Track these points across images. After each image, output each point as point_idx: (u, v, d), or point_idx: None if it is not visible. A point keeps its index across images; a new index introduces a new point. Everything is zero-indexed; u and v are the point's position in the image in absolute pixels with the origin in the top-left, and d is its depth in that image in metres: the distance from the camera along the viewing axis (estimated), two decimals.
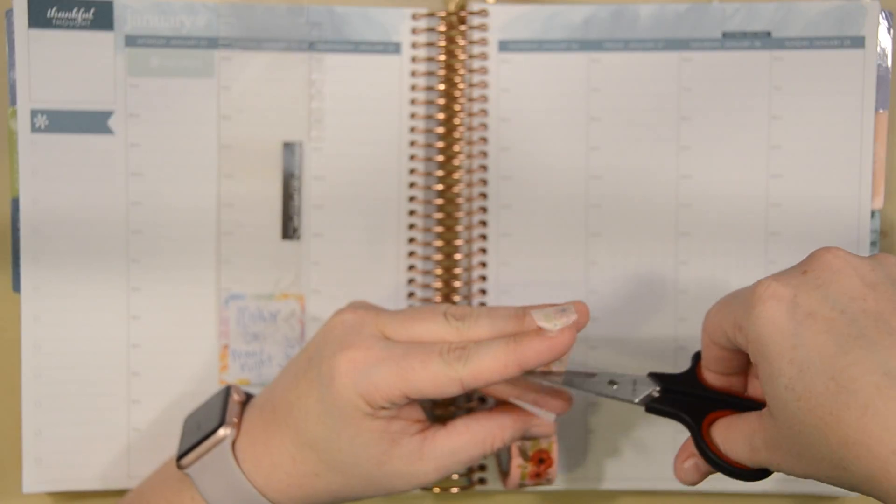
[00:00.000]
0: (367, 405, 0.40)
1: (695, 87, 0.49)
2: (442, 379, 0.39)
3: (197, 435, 0.43)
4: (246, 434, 0.43)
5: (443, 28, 0.49)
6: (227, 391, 0.45)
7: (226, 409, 0.43)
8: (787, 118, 0.48)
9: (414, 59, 0.49)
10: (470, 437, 0.42)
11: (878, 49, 0.48)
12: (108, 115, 0.48)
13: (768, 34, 0.48)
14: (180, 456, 0.43)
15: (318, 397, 0.41)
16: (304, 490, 0.42)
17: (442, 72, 0.49)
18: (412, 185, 0.49)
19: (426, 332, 0.41)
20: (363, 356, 0.40)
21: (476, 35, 0.49)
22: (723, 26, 0.48)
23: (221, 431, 0.42)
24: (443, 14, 0.49)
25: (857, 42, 0.48)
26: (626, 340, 0.50)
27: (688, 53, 0.48)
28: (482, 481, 0.50)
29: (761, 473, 0.38)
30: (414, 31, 0.49)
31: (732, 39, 0.48)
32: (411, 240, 0.49)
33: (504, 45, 0.49)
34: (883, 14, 0.48)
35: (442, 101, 0.49)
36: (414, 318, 0.41)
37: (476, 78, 0.49)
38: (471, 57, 0.49)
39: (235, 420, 0.43)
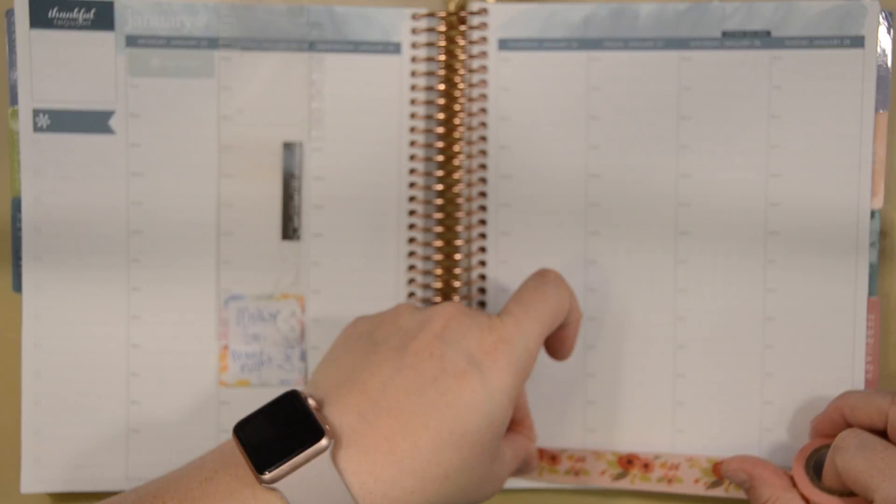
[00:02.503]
0: (524, 379, 0.41)
1: (694, 86, 0.49)
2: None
3: (280, 445, 0.37)
4: (353, 444, 0.37)
5: (443, 28, 0.49)
6: (297, 396, 0.38)
7: (309, 415, 0.37)
8: (787, 117, 0.48)
9: (414, 59, 0.49)
10: (523, 442, 0.46)
11: (879, 49, 0.48)
12: (108, 114, 0.48)
13: (768, 33, 0.48)
14: (262, 469, 0.36)
15: (476, 387, 0.39)
16: (425, 497, 0.38)
17: (442, 72, 0.49)
18: (412, 184, 0.49)
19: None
20: (509, 333, 0.40)
21: (476, 34, 0.49)
22: (722, 25, 0.48)
23: (324, 441, 0.36)
24: (443, 14, 0.49)
25: (857, 42, 0.48)
26: (624, 339, 0.50)
27: (687, 52, 0.49)
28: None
29: None
30: (414, 31, 0.49)
31: (732, 39, 0.48)
32: (411, 239, 0.49)
33: (504, 44, 0.49)
34: (883, 14, 0.48)
35: (442, 100, 0.49)
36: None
37: (476, 77, 0.49)
38: (470, 56, 0.49)
39: (328, 428, 0.37)
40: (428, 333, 0.40)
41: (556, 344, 0.45)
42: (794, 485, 0.44)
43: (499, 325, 0.40)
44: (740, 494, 0.48)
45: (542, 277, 0.44)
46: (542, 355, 0.46)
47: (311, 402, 0.38)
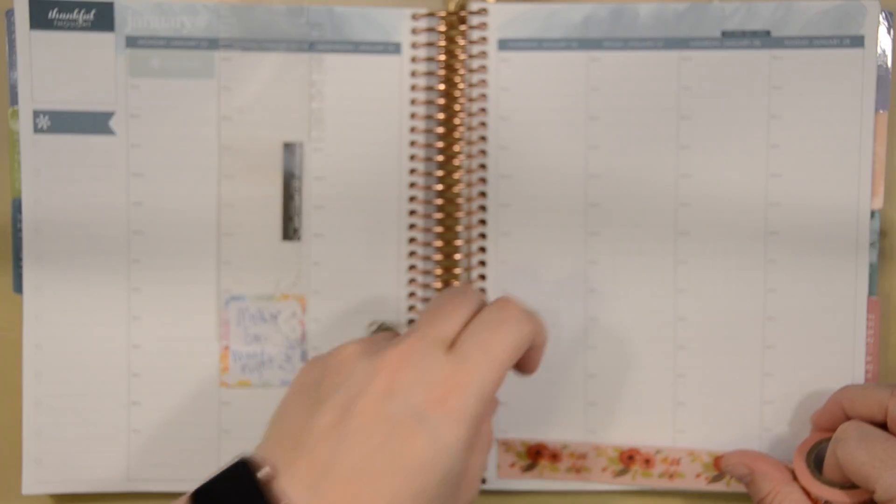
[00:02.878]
0: (480, 423, 0.39)
1: (694, 86, 0.49)
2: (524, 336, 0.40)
3: None
4: None
5: (443, 28, 0.49)
6: (249, 467, 0.36)
7: (261, 495, 0.36)
8: (787, 117, 0.48)
9: (414, 59, 0.49)
10: (488, 440, 0.42)
11: (878, 49, 0.48)
12: (109, 115, 0.48)
13: (768, 33, 0.48)
14: None
15: (426, 445, 0.37)
16: None
17: (442, 72, 0.49)
18: (412, 185, 0.49)
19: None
20: (461, 381, 0.38)
21: (475, 34, 0.49)
22: (722, 25, 0.48)
23: None
24: (443, 14, 0.49)
25: (857, 41, 0.48)
26: (625, 340, 0.50)
27: (687, 52, 0.49)
28: (483, 480, 0.50)
29: None
30: (414, 31, 0.49)
31: (732, 38, 0.48)
32: (412, 240, 0.49)
33: (503, 44, 0.49)
34: (883, 14, 0.48)
35: (442, 100, 0.49)
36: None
37: (475, 77, 0.49)
38: (470, 56, 0.49)
39: None
40: (374, 390, 0.37)
41: (520, 363, 0.42)
42: (795, 478, 0.45)
43: (449, 374, 0.38)
44: (742, 488, 0.48)
45: (502, 311, 0.40)
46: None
47: (265, 470, 0.36)
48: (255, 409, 0.49)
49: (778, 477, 0.45)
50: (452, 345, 0.39)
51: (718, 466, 0.49)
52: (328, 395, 0.38)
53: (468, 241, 0.50)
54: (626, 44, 0.49)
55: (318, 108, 0.49)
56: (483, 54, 0.49)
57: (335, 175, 0.49)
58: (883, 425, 0.43)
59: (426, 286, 0.49)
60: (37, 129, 0.48)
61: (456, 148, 0.49)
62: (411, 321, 0.49)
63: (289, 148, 0.49)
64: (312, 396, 0.39)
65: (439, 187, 0.49)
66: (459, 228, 0.49)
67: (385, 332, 0.44)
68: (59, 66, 0.48)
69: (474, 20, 0.49)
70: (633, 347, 0.50)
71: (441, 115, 0.49)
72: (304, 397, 0.39)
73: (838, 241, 0.49)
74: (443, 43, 0.49)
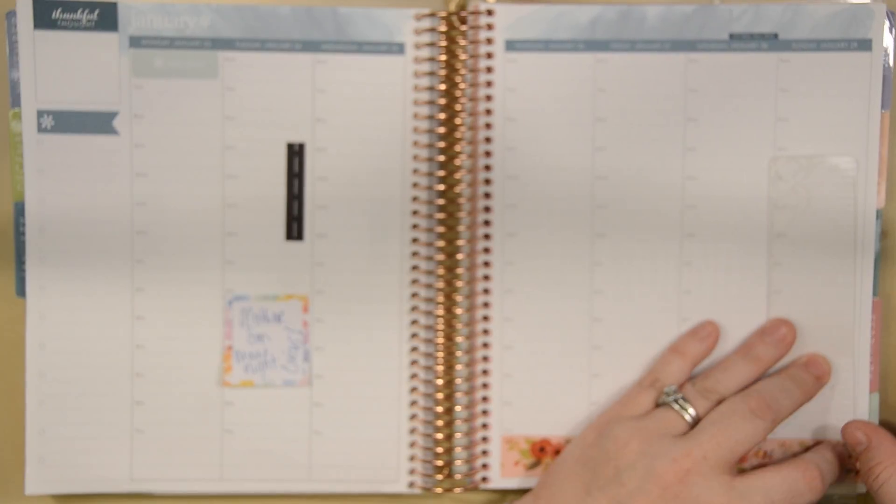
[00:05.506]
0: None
1: (701, 88, 0.48)
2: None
3: None
4: None
5: (444, 28, 0.48)
6: None
7: None
8: (794, 120, 0.48)
9: (417, 60, 0.49)
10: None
11: (885, 52, 0.48)
12: (112, 115, 0.48)
13: (775, 36, 0.48)
14: None
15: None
16: None
17: (443, 72, 0.49)
18: (415, 184, 0.49)
19: None
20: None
21: (482, 35, 0.49)
22: (730, 28, 0.48)
23: None
24: (444, 14, 0.48)
25: (865, 45, 0.48)
26: (629, 342, 0.50)
27: (694, 55, 0.48)
28: (485, 479, 0.50)
29: None
30: (417, 31, 0.49)
31: (739, 41, 0.48)
32: (414, 240, 0.49)
33: (511, 45, 0.49)
34: (889, 16, 0.48)
35: (443, 100, 0.49)
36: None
37: (482, 77, 0.49)
38: (476, 57, 0.49)
39: None
40: (647, 498, 0.42)
41: None
42: None
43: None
44: None
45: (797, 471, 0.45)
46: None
47: None
48: (258, 409, 0.49)
49: (892, 451, 0.44)
50: (738, 472, 0.44)
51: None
52: (605, 483, 0.44)
53: (471, 241, 0.49)
54: (634, 46, 0.48)
55: (321, 109, 0.49)
56: (490, 55, 0.49)
57: (338, 175, 0.49)
58: None
59: (429, 286, 0.49)
60: (40, 129, 0.48)
61: (457, 148, 0.49)
62: (414, 322, 0.49)
63: (292, 148, 0.49)
64: (587, 476, 0.45)
65: (441, 187, 0.49)
66: (461, 228, 0.49)
67: (665, 413, 0.46)
68: (63, 65, 0.48)
69: (481, 20, 0.49)
70: (638, 349, 0.50)
71: (443, 115, 0.49)
72: (578, 472, 0.45)
73: (843, 244, 0.48)
74: (444, 43, 0.49)
